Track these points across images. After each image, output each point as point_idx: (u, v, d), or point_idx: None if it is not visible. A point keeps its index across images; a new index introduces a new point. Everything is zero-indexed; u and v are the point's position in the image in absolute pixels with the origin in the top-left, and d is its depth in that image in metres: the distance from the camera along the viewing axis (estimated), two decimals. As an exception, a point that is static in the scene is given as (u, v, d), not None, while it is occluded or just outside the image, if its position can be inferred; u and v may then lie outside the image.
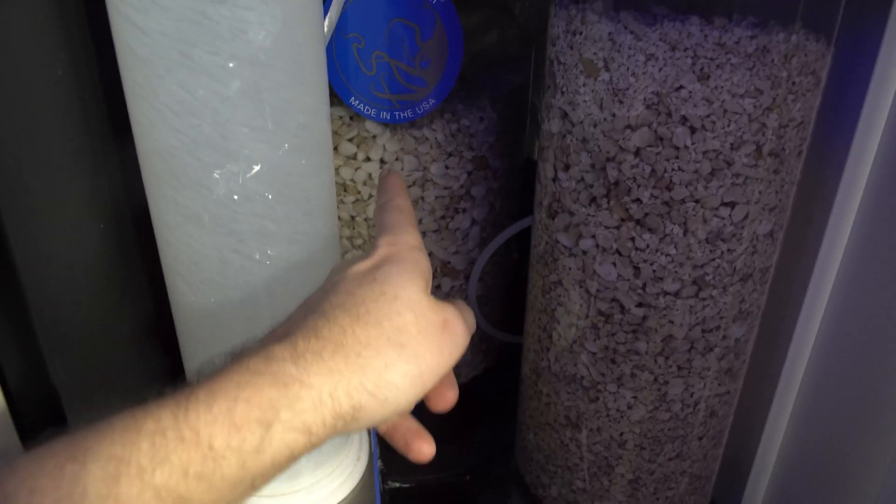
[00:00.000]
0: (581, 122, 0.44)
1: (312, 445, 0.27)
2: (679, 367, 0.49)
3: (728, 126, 0.40)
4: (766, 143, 0.41)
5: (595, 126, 0.43)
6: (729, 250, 0.44)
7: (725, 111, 0.40)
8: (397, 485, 0.72)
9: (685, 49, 0.38)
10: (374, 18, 0.52)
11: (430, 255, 0.63)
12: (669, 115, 0.40)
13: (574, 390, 0.53)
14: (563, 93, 0.45)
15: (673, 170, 0.42)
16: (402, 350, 0.29)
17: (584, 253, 0.47)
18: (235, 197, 0.37)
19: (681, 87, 0.39)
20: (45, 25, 0.41)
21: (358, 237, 0.63)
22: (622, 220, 0.44)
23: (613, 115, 0.42)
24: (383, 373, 0.28)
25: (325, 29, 0.50)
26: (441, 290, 0.66)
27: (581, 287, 0.49)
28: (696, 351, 0.48)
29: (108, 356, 0.52)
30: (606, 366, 0.50)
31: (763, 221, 0.45)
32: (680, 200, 0.42)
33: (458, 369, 0.74)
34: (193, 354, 0.45)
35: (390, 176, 0.38)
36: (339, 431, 0.28)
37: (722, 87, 0.39)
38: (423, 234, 0.62)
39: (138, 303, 0.53)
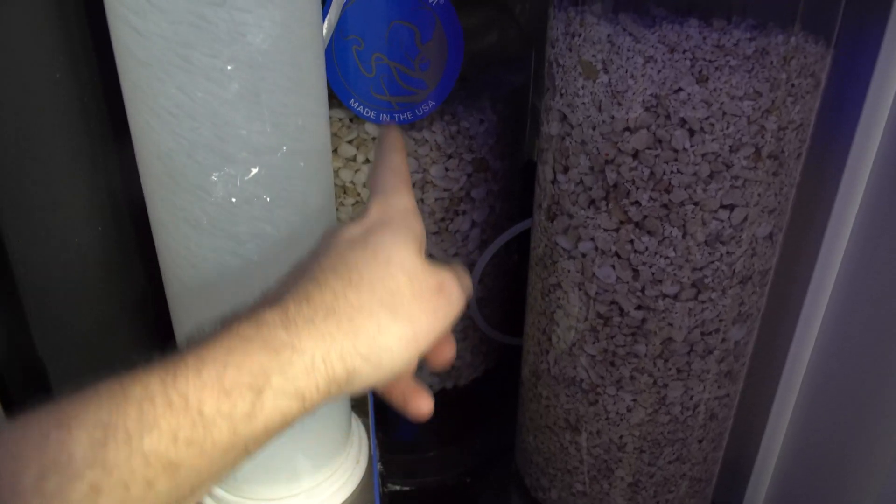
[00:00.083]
0: (580, 125, 0.44)
1: (307, 410, 0.27)
2: (678, 370, 0.49)
3: (727, 128, 0.40)
4: (766, 146, 0.41)
5: (594, 128, 0.43)
6: (728, 253, 0.44)
7: (724, 113, 0.39)
8: (397, 487, 0.71)
9: (684, 51, 0.38)
10: (374, 20, 0.52)
11: (430, 257, 0.63)
12: (668, 117, 0.40)
13: (573, 393, 0.53)
14: (561, 95, 0.45)
15: (672, 172, 0.41)
16: (395, 313, 0.29)
17: (583, 255, 0.47)
18: (234, 200, 0.37)
19: (679, 89, 0.39)
20: (45, 26, 0.41)
21: (358, 239, 0.63)
22: (621, 222, 0.44)
23: (612, 118, 0.42)
24: (377, 336, 0.28)
25: (325, 31, 0.50)
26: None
27: (580, 290, 0.48)
28: (696, 353, 0.48)
29: (108, 361, 0.52)
30: (606, 368, 0.50)
31: (762, 224, 0.44)
32: (679, 203, 0.42)
33: (458, 371, 0.74)
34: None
35: (389, 131, 0.37)
36: (333, 396, 0.28)
37: (721, 90, 0.39)
38: (423, 235, 0.62)
39: (137, 303, 0.53)
